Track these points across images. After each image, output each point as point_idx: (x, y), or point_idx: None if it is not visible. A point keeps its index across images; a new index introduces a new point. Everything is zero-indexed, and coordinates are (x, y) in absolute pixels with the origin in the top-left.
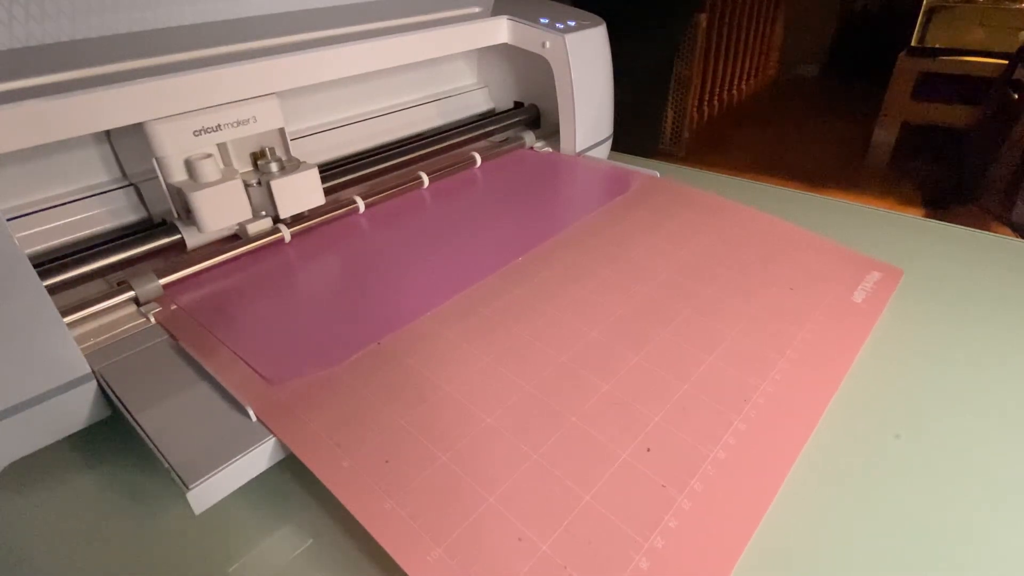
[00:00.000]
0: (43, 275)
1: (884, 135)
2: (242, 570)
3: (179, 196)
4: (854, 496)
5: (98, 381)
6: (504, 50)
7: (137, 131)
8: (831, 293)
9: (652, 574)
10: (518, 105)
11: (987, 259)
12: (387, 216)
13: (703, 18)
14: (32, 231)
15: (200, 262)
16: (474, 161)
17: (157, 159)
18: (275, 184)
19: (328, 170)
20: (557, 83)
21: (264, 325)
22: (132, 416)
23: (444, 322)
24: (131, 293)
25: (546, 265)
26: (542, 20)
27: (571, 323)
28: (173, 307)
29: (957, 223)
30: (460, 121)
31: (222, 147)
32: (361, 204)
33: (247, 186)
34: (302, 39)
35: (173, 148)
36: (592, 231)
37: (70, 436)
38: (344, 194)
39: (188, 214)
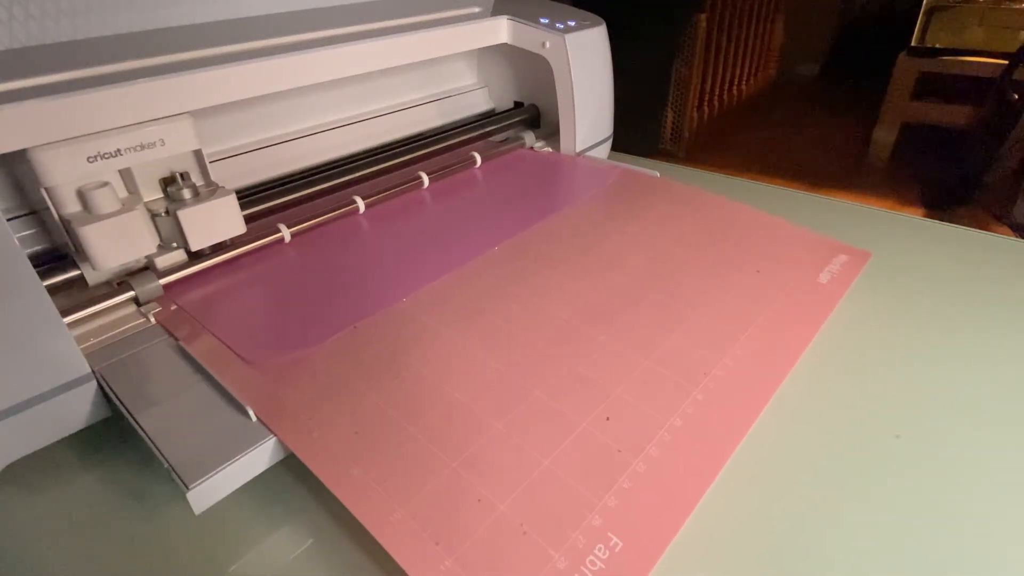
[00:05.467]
0: (43, 275)
1: (884, 135)
2: (242, 570)
3: (71, 229)
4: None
5: (98, 381)
6: (504, 50)
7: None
8: (797, 275)
9: (604, 530)
10: (518, 105)
11: (987, 259)
12: (386, 215)
13: (703, 18)
14: None
15: (200, 262)
16: (474, 161)
17: (45, 189)
18: (183, 214)
19: (328, 170)
20: (557, 83)
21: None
22: (132, 416)
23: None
24: (131, 293)
25: (523, 255)
26: (542, 20)
27: (543, 307)
28: (173, 307)
29: (957, 223)
30: (460, 121)
31: (125, 173)
32: (361, 204)
33: (154, 216)
34: (287, 42)
35: (63, 177)
36: (578, 225)
37: (70, 436)
38: (344, 194)
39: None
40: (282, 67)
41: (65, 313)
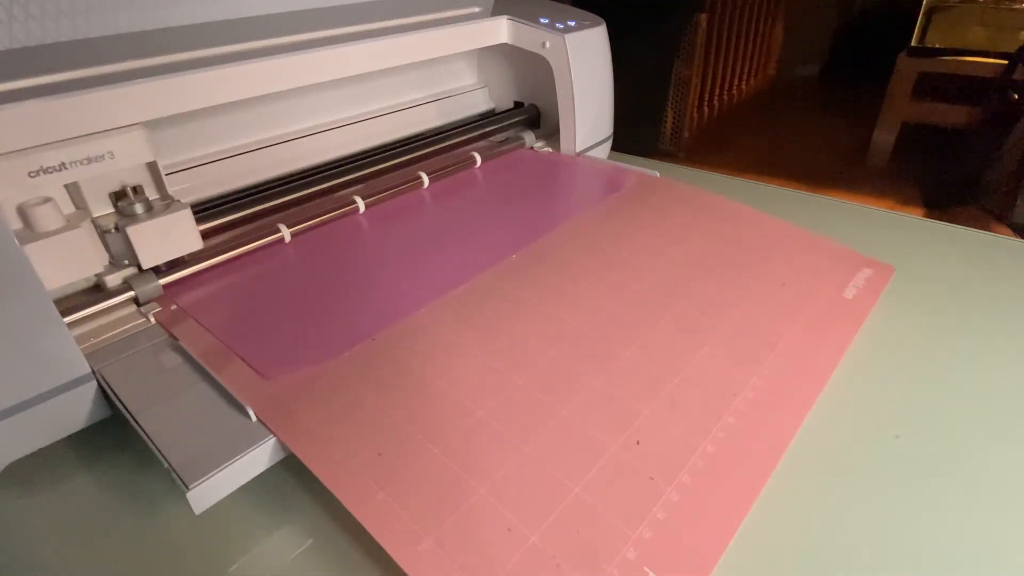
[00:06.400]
0: None
1: (884, 135)
2: (242, 570)
3: None
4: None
5: (98, 381)
6: (504, 50)
7: None
8: (822, 290)
9: (640, 564)
10: (518, 105)
11: (987, 259)
12: (386, 215)
13: (703, 18)
14: None
15: (200, 262)
16: (474, 161)
17: None
18: (133, 231)
19: (328, 170)
20: (557, 83)
21: (263, 323)
22: (132, 416)
23: (439, 318)
24: (131, 293)
25: (540, 262)
26: (542, 20)
27: (564, 319)
28: (173, 307)
29: (957, 223)
30: (460, 121)
31: (72, 187)
32: (361, 204)
33: (104, 232)
34: (287, 42)
35: (1, 193)
36: (588, 229)
37: (70, 436)
38: (344, 194)
39: None
40: (282, 67)
41: (65, 313)
